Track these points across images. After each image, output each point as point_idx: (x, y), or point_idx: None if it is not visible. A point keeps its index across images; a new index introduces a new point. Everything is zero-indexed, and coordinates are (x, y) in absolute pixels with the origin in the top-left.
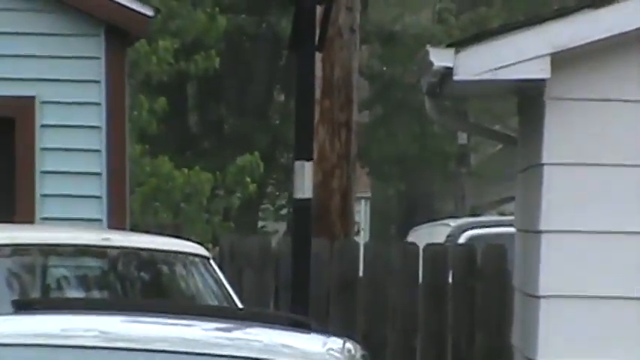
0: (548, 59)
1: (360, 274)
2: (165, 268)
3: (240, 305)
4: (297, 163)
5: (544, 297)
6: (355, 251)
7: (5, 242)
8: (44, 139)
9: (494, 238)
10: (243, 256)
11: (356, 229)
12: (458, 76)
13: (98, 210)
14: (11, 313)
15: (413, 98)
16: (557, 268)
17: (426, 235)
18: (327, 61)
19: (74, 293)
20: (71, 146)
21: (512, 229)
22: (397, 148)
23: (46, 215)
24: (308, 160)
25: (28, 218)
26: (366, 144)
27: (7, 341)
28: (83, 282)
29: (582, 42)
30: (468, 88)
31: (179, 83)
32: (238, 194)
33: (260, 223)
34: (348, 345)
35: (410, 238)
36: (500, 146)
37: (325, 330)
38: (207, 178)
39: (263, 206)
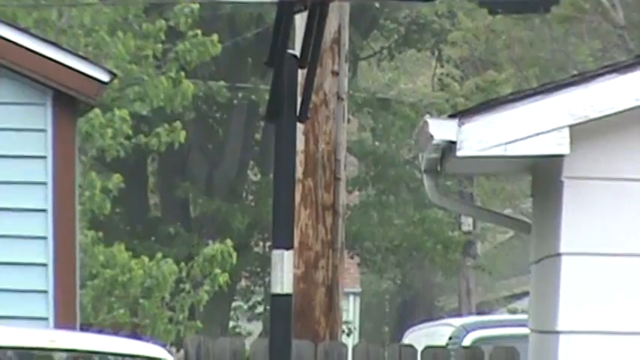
0: (566, 132)
1: None
2: None
3: None
4: (276, 253)
5: None
6: (343, 355)
7: None
8: None
9: (504, 340)
10: None
11: (346, 329)
12: (462, 152)
13: (44, 307)
14: None
15: (410, 177)
16: None
17: (425, 336)
18: (311, 134)
19: None
20: (12, 232)
21: (525, 330)
22: (392, 234)
23: None
24: (288, 248)
25: None
26: (355, 230)
27: None
28: None
29: (607, 112)
30: (474, 165)
31: (137, 159)
32: (206, 288)
33: (232, 323)
34: None
35: (406, 340)
36: (511, 233)
37: None
38: (171, 270)
39: (235, 303)
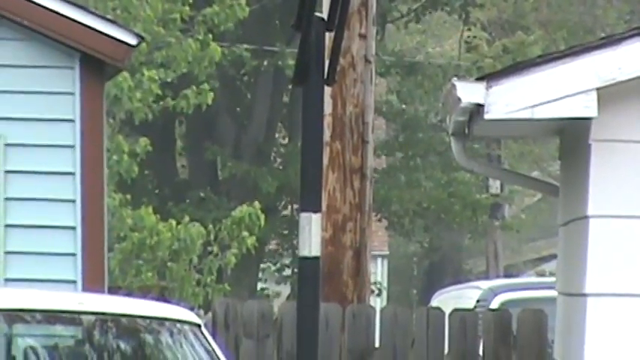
0: (594, 95)
1: (377, 344)
2: (149, 338)
3: None
4: (303, 216)
5: None
6: (371, 317)
7: None
8: (10, 188)
9: (532, 303)
10: (240, 324)
11: (376, 289)
12: (490, 115)
13: (72, 270)
14: None
15: (438, 140)
16: (606, 338)
17: (453, 299)
18: (338, 97)
19: None
20: (41, 196)
21: (553, 292)
22: (420, 197)
23: (11, 276)
24: (315, 211)
25: None
26: (383, 193)
27: None
28: (55, 354)
29: (634, 75)
30: (502, 128)
31: (165, 122)
32: (234, 250)
33: (260, 285)
34: None
35: (434, 303)
36: (539, 196)
37: None
38: (199, 233)
39: (263, 265)
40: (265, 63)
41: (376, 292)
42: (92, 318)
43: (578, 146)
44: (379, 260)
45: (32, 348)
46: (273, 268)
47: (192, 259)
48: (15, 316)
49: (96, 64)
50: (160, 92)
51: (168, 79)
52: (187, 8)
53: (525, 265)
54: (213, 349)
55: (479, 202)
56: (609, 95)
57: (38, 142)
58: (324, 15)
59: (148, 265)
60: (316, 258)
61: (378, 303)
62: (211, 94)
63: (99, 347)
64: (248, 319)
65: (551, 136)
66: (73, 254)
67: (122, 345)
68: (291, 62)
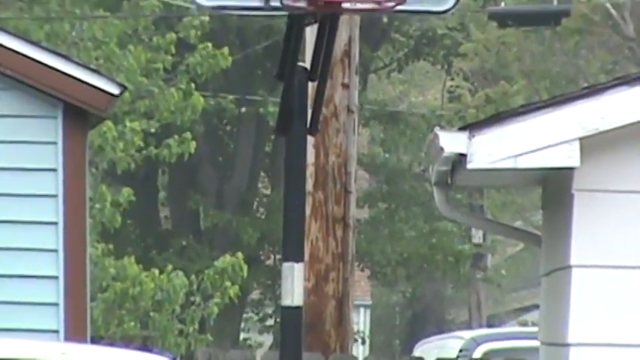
0: (577, 144)
1: None
2: None
3: None
4: (286, 265)
5: None
6: None
7: None
8: None
9: (514, 353)
10: None
11: (360, 338)
12: (472, 164)
13: (54, 319)
14: None
15: (420, 190)
16: None
17: (436, 348)
18: (321, 147)
19: None
20: (23, 245)
21: (535, 342)
22: (402, 248)
23: None
24: (298, 261)
25: None
26: (366, 243)
27: None
28: None
29: (617, 124)
30: (484, 177)
31: (148, 171)
32: (217, 300)
33: (242, 335)
34: None
35: (417, 353)
36: (521, 246)
37: None
38: (181, 283)
39: (246, 316)
40: (248, 111)
41: (360, 340)
42: None
43: (561, 196)
44: (362, 310)
45: None
46: (255, 318)
47: (174, 309)
48: None
49: (79, 114)
50: (142, 144)
51: (152, 130)
52: (170, 57)
53: (508, 315)
54: None
55: (461, 252)
56: (592, 145)
57: (21, 191)
58: (307, 64)
59: (130, 315)
60: (299, 307)
61: (361, 352)
62: (194, 143)
63: None
64: None
65: (533, 185)
66: (56, 304)
67: None
68: (274, 111)
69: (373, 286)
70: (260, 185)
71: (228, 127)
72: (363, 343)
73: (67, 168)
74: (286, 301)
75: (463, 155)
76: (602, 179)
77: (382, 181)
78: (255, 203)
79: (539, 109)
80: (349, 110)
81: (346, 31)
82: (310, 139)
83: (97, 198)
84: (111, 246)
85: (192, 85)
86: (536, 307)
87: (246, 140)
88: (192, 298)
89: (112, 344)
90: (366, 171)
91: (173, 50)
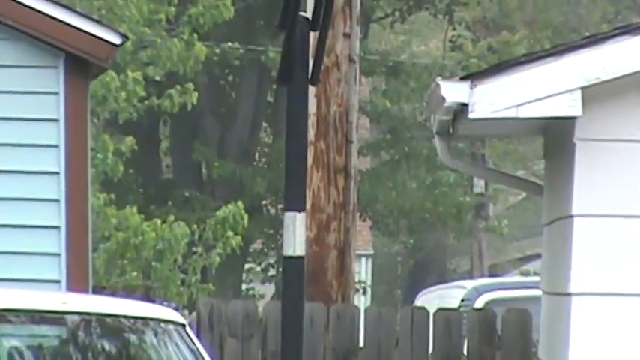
0: (578, 94)
1: (361, 343)
2: (134, 337)
3: None
4: (288, 215)
5: None
6: (355, 317)
7: None
8: None
9: (516, 302)
10: (224, 323)
11: (361, 288)
12: (474, 114)
13: (56, 270)
14: None
15: (422, 140)
16: (591, 338)
17: (438, 298)
18: (322, 97)
19: None
20: (25, 195)
21: (537, 292)
22: (404, 198)
23: None
24: (300, 211)
25: None
26: (367, 193)
27: None
28: (39, 354)
29: (618, 74)
30: (486, 127)
31: (150, 122)
32: (219, 250)
33: (244, 286)
34: None
35: (418, 302)
36: (523, 195)
37: None
38: (183, 233)
39: (248, 266)
40: (250, 61)
41: (361, 290)
42: (76, 318)
43: (563, 145)
44: (363, 260)
45: (16, 348)
46: (257, 268)
47: (176, 259)
48: None
49: (80, 64)
50: (144, 93)
51: (157, 77)
52: (172, 9)
53: (510, 264)
54: (197, 349)
55: (463, 203)
56: (593, 94)
57: (23, 141)
58: (309, 14)
59: (132, 265)
60: (300, 257)
61: (362, 302)
62: (196, 93)
63: (83, 347)
64: (232, 318)
65: (535, 135)
66: (58, 254)
67: (106, 345)
68: (276, 60)
69: (375, 236)
70: (262, 135)
71: (230, 77)
72: (365, 293)
73: (68, 118)
74: (288, 251)
75: (465, 105)
76: (604, 129)
77: (384, 131)
78: (257, 153)
79: (540, 58)
80: (351, 60)
81: None
82: (312, 89)
83: (99, 148)
84: (113, 196)
85: (195, 35)
86: (538, 256)
87: (248, 90)
88: (194, 248)
89: (113, 294)
90: (368, 120)
91: (175, 0)
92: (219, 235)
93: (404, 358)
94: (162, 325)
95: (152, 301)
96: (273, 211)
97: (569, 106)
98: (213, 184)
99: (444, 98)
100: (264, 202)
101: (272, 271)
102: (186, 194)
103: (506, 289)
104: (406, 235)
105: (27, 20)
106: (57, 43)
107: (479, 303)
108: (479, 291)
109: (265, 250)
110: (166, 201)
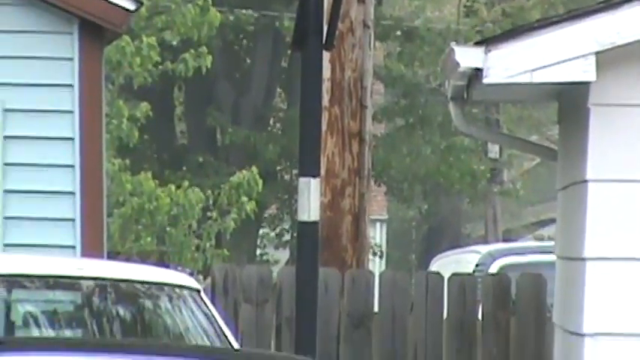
0: (593, 59)
1: (376, 308)
2: (148, 303)
3: (235, 345)
4: (302, 180)
5: (589, 335)
6: (370, 282)
7: None
8: (9, 153)
9: (530, 267)
10: (239, 289)
11: (378, 252)
12: (488, 79)
13: (71, 235)
14: None
15: (437, 105)
16: (605, 302)
17: (452, 263)
18: (337, 62)
19: (43, 332)
20: (40, 161)
21: (551, 257)
22: (419, 163)
23: (10, 241)
24: (314, 176)
25: None
26: (382, 159)
27: None
28: (54, 319)
29: (633, 39)
30: (501, 92)
31: (164, 87)
32: (234, 216)
33: (259, 251)
34: None
35: (433, 267)
36: (537, 160)
37: None
38: (198, 198)
39: (262, 231)
40: (264, 26)
41: (378, 253)
42: (91, 283)
43: (577, 110)
44: (378, 225)
45: (31, 313)
46: (272, 233)
47: (191, 225)
48: (14, 281)
49: (95, 30)
50: (159, 59)
51: (174, 42)
52: None
53: (524, 229)
54: (212, 314)
55: (478, 167)
56: (608, 59)
57: (37, 107)
58: None
59: (147, 231)
60: (315, 223)
61: (377, 266)
62: (210, 57)
63: (98, 312)
64: (247, 284)
65: (550, 100)
66: (72, 219)
67: (121, 310)
68: (291, 26)
69: (389, 201)
70: (276, 101)
71: (244, 43)
72: (381, 257)
73: (83, 84)
74: (303, 217)
75: (479, 70)
76: (618, 93)
77: (399, 96)
78: (272, 119)
79: (555, 23)
80: (365, 25)
81: None
82: (326, 55)
83: (113, 113)
84: (127, 161)
85: (209, 1)
86: (553, 221)
87: (263, 56)
88: (208, 214)
89: (128, 259)
90: (382, 85)
91: None
92: (233, 201)
93: (418, 323)
94: (177, 290)
95: (166, 266)
96: (287, 177)
97: (584, 71)
98: (227, 150)
99: (458, 63)
100: (278, 168)
101: (287, 237)
102: (201, 160)
103: (520, 254)
104: (420, 201)
105: None
106: (71, 9)
107: (493, 268)
108: (493, 256)
109: (280, 215)
110: (181, 166)
